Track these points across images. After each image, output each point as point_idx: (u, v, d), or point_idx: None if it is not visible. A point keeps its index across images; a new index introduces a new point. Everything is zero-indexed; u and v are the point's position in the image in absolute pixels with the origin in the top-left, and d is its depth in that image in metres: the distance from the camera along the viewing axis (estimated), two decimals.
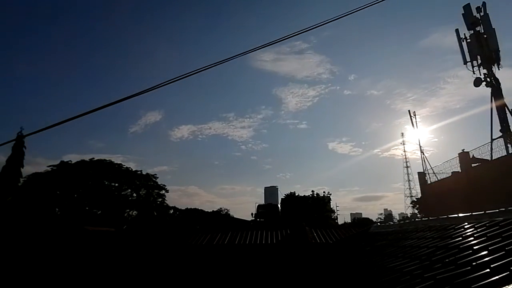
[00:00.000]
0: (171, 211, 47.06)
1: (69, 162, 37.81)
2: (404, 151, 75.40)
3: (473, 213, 5.94)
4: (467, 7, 18.87)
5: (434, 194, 18.59)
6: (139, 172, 40.74)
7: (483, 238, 4.21)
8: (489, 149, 16.47)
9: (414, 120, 23.81)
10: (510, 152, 15.90)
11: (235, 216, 50.12)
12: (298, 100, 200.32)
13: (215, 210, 56.95)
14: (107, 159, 40.73)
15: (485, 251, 3.64)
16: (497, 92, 17.71)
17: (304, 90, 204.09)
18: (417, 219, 11.29)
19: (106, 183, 38.58)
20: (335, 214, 58.05)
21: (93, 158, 39.51)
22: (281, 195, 55.30)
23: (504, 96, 17.76)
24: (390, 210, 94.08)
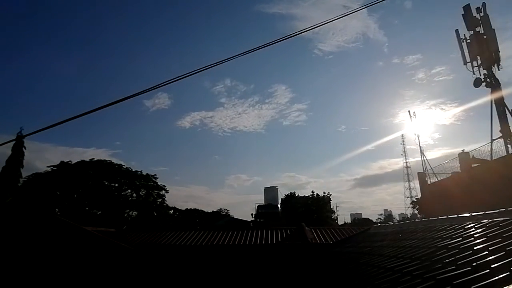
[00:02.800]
0: (171, 211, 47.12)
1: (69, 162, 37.87)
2: (404, 151, 75.20)
3: (473, 214, 5.96)
4: (467, 8, 18.86)
5: (434, 195, 18.61)
6: (139, 173, 40.79)
7: (484, 239, 4.22)
8: (489, 149, 16.49)
9: (413, 120, 23.88)
10: (510, 152, 15.89)
11: (235, 217, 50.19)
12: (316, 82, 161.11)
13: (215, 210, 57.03)
14: (107, 159, 40.81)
15: (486, 251, 3.64)
16: (497, 92, 17.73)
17: (328, 64, 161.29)
18: (417, 220, 11.31)
19: (106, 183, 38.59)
20: (335, 215, 58.16)
21: (93, 159, 39.58)
22: (281, 195, 55.45)
23: (504, 96, 17.78)
24: (390, 211, 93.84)
